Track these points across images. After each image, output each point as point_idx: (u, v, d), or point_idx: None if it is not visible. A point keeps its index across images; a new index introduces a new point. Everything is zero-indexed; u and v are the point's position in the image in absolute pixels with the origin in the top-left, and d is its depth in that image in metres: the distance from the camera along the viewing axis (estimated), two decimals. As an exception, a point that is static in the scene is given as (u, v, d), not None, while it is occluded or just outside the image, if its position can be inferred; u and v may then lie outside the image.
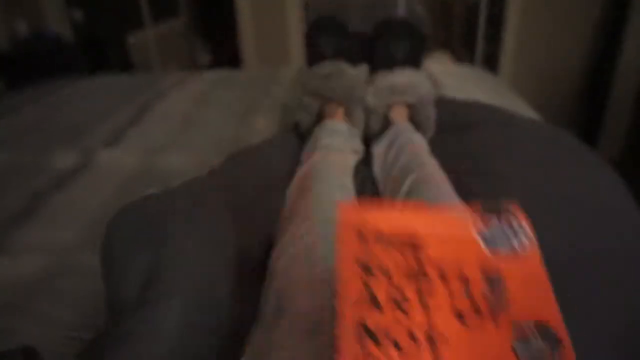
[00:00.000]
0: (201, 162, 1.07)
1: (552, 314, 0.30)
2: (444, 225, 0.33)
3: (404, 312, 0.30)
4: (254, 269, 0.67)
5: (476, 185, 0.78)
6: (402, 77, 0.99)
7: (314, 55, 1.05)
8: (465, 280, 0.31)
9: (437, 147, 0.93)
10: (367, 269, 0.31)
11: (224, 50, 4.22)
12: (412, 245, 0.32)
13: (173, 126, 1.30)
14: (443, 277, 0.31)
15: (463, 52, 3.87)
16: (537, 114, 1.27)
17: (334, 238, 0.62)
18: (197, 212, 0.69)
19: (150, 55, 3.34)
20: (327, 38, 1.04)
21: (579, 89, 2.82)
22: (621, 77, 2.42)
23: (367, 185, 0.87)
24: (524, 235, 0.33)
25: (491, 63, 2.94)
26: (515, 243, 0.32)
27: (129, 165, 1.08)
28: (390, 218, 0.34)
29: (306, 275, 0.56)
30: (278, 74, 1.74)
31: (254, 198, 0.79)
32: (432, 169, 0.80)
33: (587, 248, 0.62)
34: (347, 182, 0.83)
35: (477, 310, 0.30)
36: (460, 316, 0.30)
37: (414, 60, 1.04)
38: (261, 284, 0.62)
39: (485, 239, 0.32)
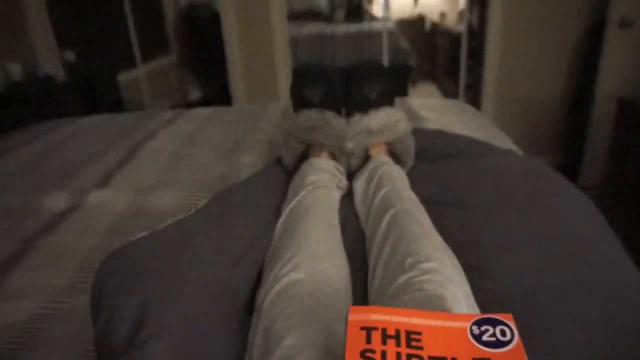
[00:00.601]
0: (189, 201, 1.09)
1: None
2: (442, 326, 0.38)
3: None
4: (242, 307, 0.68)
5: (452, 217, 0.81)
6: (376, 119, 1.03)
7: (300, 102, 1.08)
8: None
9: (415, 177, 0.97)
10: None
11: (214, 86, 4.30)
12: (413, 342, 0.36)
13: (162, 165, 1.33)
14: None
15: (448, 82, 3.97)
16: (515, 145, 1.31)
17: (321, 277, 0.64)
18: (184, 254, 0.71)
19: (141, 92, 3.39)
20: (312, 87, 1.06)
21: (559, 116, 2.90)
22: (599, 103, 2.50)
23: (349, 221, 0.90)
24: (511, 335, 0.37)
25: (474, 92, 3.02)
26: (503, 340, 0.36)
27: (119, 206, 1.10)
28: (393, 317, 0.38)
29: (292, 314, 0.57)
30: (266, 111, 1.79)
31: (240, 235, 0.80)
32: (410, 203, 0.82)
33: (559, 280, 0.64)
34: (333, 219, 0.85)
35: None
36: None
37: (387, 99, 1.08)
38: (250, 322, 0.63)
39: (476, 338, 0.37)
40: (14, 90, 2.70)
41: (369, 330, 0.36)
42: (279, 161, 1.12)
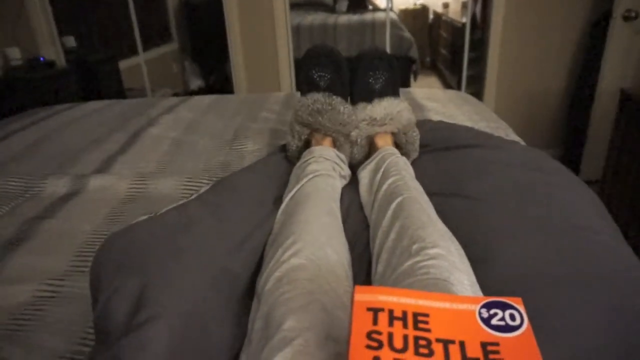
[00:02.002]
0: (190, 188, 1.09)
1: None
2: (450, 308, 0.37)
3: None
4: (243, 292, 0.68)
5: (455, 208, 0.81)
6: (380, 109, 1.02)
7: (308, 85, 1.06)
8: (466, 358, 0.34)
9: (419, 168, 0.97)
10: (377, 343, 0.33)
11: (215, 75, 4.28)
12: (420, 324, 0.35)
13: (163, 152, 1.32)
14: (447, 355, 0.34)
15: (450, 74, 3.96)
16: (518, 136, 1.31)
17: (322, 262, 0.64)
18: (184, 238, 0.71)
19: (142, 80, 3.37)
20: (319, 70, 1.05)
21: (561, 109, 2.89)
22: (601, 97, 2.50)
23: (352, 209, 0.89)
24: (520, 319, 0.36)
25: (477, 85, 3.01)
26: (512, 325, 0.35)
27: (119, 191, 1.10)
28: (401, 299, 0.37)
29: (292, 298, 0.57)
30: (267, 100, 1.78)
31: (241, 221, 0.80)
32: (417, 193, 0.82)
33: (562, 268, 0.64)
34: (335, 207, 0.85)
35: None
36: None
37: (391, 89, 1.07)
38: (249, 308, 0.63)
39: (485, 321, 0.36)
40: (14, 75, 2.69)
41: (375, 311, 0.35)
42: (281, 149, 1.12)
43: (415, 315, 0.35)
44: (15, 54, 2.79)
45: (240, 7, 2.79)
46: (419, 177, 0.92)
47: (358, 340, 0.33)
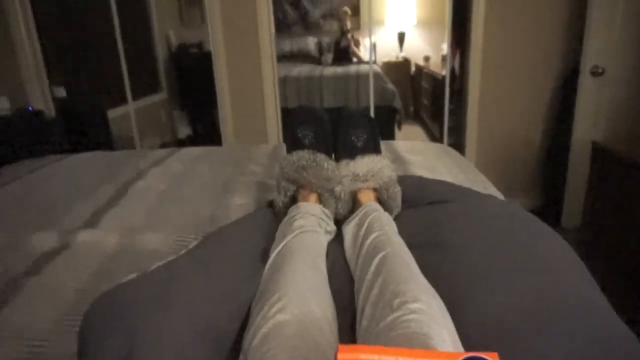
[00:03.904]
0: (178, 242, 1.10)
1: None
2: None
3: None
4: (229, 347, 0.69)
5: (435, 260, 0.84)
6: (362, 165, 1.08)
7: (293, 143, 1.13)
8: None
9: (402, 223, 1.00)
10: None
11: (202, 124, 4.36)
12: None
13: (151, 205, 1.34)
14: None
15: (432, 123, 4.09)
16: (496, 189, 1.36)
17: (307, 318, 0.65)
18: (172, 293, 0.72)
19: (130, 128, 3.42)
20: (304, 129, 1.11)
21: (539, 157, 3.00)
22: (575, 148, 2.60)
23: (337, 264, 0.92)
24: None
25: (458, 134, 3.12)
26: None
27: (107, 246, 1.10)
28: (382, 357, 0.38)
29: (277, 355, 0.59)
30: (255, 152, 1.82)
31: (228, 277, 0.81)
32: (399, 248, 0.85)
33: (537, 316, 0.67)
34: (320, 262, 0.87)
35: None
36: None
37: (372, 146, 1.13)
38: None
39: None
40: (1, 124, 2.70)
41: None
42: (268, 205, 1.15)
43: None
44: (3, 104, 2.82)
45: (228, 58, 2.90)
46: (402, 231, 0.95)
47: None
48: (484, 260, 0.81)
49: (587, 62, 2.44)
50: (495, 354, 0.38)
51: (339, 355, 0.38)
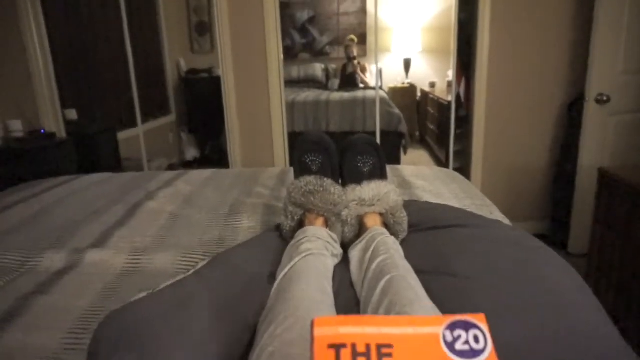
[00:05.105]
0: (186, 263, 1.11)
1: None
2: (413, 334, 0.36)
3: None
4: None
5: (441, 286, 0.84)
6: (369, 190, 1.09)
7: (301, 169, 1.15)
8: None
9: (408, 247, 1.01)
10: None
11: (210, 146, 4.41)
12: (384, 357, 0.34)
13: (160, 227, 1.36)
14: None
15: (439, 148, 4.11)
16: (506, 208, 1.36)
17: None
18: (181, 313, 0.73)
19: (139, 150, 3.47)
20: (311, 155, 1.14)
21: (545, 183, 3.00)
22: (581, 174, 2.60)
23: (343, 286, 0.92)
24: (484, 342, 0.36)
25: (464, 159, 3.13)
26: (477, 349, 0.35)
27: (115, 267, 1.12)
28: (364, 329, 0.35)
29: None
30: (262, 175, 1.84)
31: (236, 298, 0.82)
32: (405, 271, 0.86)
33: (545, 348, 0.67)
34: (327, 285, 0.88)
35: None
36: None
37: (379, 172, 1.15)
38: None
39: (450, 347, 0.35)
40: (15, 145, 2.76)
41: (337, 348, 0.34)
42: (276, 228, 1.16)
43: (379, 347, 0.34)
44: (17, 126, 2.89)
45: (237, 82, 2.95)
46: (408, 255, 0.96)
47: None
48: (491, 293, 0.81)
49: (592, 90, 2.47)
50: (482, 315, 0.36)
51: (316, 331, 0.34)
